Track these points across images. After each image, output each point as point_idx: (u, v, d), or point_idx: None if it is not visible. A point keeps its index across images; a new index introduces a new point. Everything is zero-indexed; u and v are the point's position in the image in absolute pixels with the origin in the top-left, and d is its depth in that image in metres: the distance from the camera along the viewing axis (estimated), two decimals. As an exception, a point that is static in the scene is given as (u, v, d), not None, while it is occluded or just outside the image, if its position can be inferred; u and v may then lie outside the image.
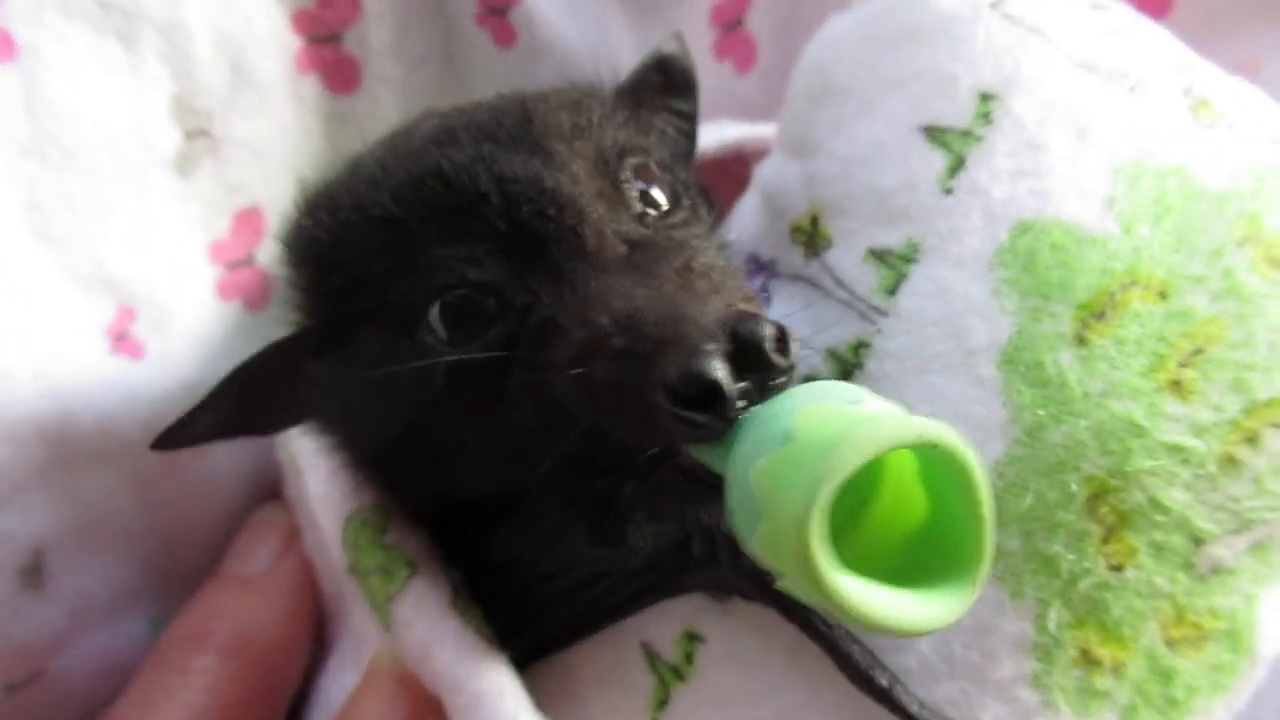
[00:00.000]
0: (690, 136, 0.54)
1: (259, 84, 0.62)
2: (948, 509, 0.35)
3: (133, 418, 0.59)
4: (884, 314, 0.47)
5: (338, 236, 0.45)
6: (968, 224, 0.46)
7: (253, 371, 0.48)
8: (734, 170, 0.67)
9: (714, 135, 0.66)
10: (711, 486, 0.37)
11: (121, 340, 0.59)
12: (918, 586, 0.35)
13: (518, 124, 0.45)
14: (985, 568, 0.34)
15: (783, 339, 0.36)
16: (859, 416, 0.33)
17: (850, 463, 0.32)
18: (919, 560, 0.35)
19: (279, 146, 0.64)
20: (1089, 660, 0.44)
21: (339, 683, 0.58)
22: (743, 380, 0.35)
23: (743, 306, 0.38)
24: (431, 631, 0.48)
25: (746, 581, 0.45)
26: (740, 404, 0.35)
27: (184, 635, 0.56)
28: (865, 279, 0.48)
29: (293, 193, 0.61)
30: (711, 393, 0.35)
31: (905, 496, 0.36)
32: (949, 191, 0.47)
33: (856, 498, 0.35)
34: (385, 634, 0.50)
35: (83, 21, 0.55)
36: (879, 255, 0.48)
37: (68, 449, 0.57)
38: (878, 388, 0.44)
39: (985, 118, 0.47)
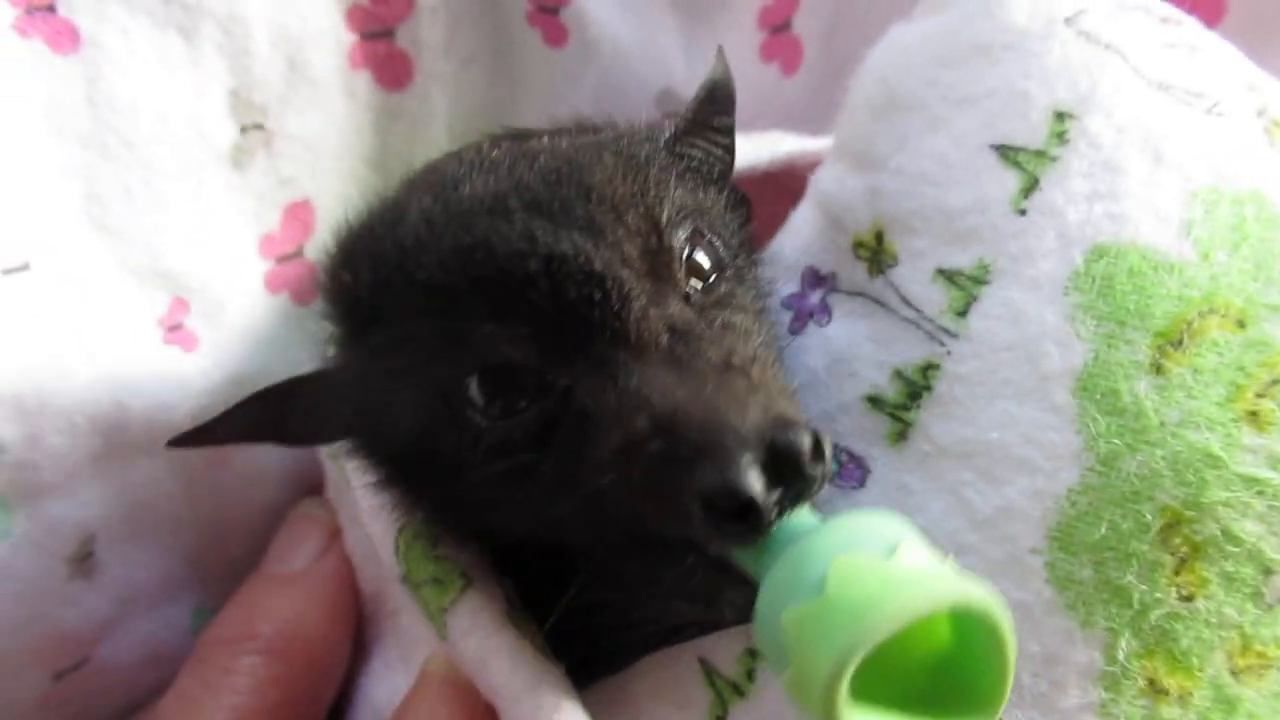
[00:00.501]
0: (729, 150, 0.53)
1: (313, 79, 0.61)
2: (971, 644, 0.35)
3: (182, 408, 0.59)
4: (954, 335, 0.46)
5: (379, 295, 0.44)
6: (1041, 246, 0.45)
7: (281, 397, 0.48)
8: (784, 180, 0.66)
9: (767, 149, 0.65)
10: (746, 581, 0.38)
11: (174, 331, 0.59)
12: (933, 710, 0.35)
13: (572, 196, 0.43)
14: (1002, 709, 0.35)
15: (818, 446, 0.36)
16: (893, 578, 0.33)
17: (881, 631, 0.32)
18: (937, 684, 0.36)
19: (330, 141, 0.64)
20: (1156, 690, 0.44)
21: (385, 683, 0.58)
22: (777, 488, 0.36)
23: (780, 409, 0.38)
24: (487, 643, 0.47)
25: None
26: (774, 513, 0.36)
27: (229, 634, 0.56)
28: (934, 299, 0.47)
29: (345, 194, 0.62)
30: (746, 505, 0.35)
31: (930, 627, 0.36)
32: (1022, 212, 0.46)
33: None
34: (441, 643, 0.50)
35: (145, 15, 0.54)
36: (948, 275, 0.47)
37: (119, 438, 0.57)
38: (948, 412, 0.45)
39: (1060, 137, 0.47)
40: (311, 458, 0.69)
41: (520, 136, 0.53)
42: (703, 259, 0.45)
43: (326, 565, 0.59)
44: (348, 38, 0.63)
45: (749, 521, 0.36)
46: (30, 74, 0.52)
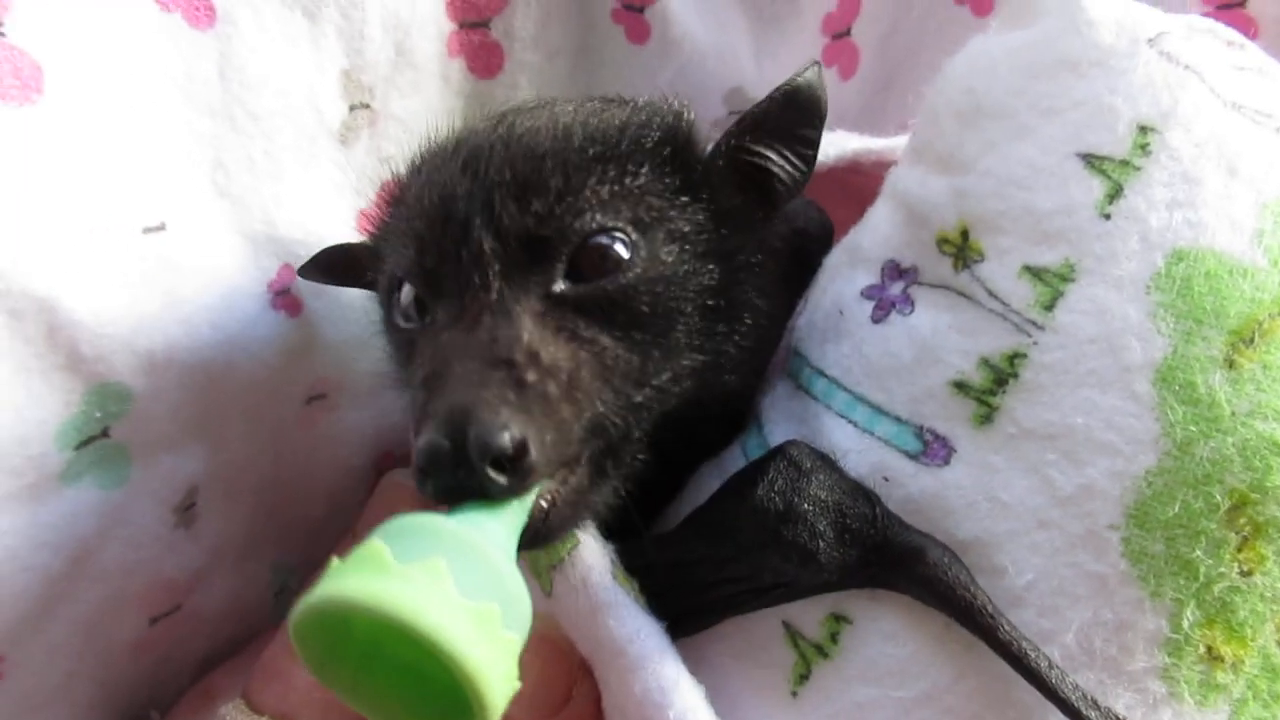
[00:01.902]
0: (808, 162, 0.55)
1: (416, 64, 0.64)
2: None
3: (283, 370, 0.62)
4: (1040, 328, 0.50)
5: (397, 198, 0.56)
6: (1125, 248, 0.49)
7: (343, 251, 0.60)
8: (843, 177, 0.70)
9: (834, 146, 0.68)
10: None
11: (282, 296, 0.62)
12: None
13: (499, 167, 0.48)
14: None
15: (518, 458, 0.41)
16: (376, 575, 0.36)
17: (307, 605, 0.36)
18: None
19: (426, 124, 0.66)
20: (1213, 656, 0.48)
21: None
22: (463, 473, 0.40)
23: (502, 417, 0.41)
24: (596, 599, 0.51)
25: (902, 579, 0.49)
26: (438, 484, 0.41)
27: None
28: (1021, 293, 0.51)
29: None
30: (424, 470, 0.41)
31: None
32: (1107, 217, 0.50)
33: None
34: (545, 598, 0.53)
35: None
36: (1035, 272, 0.51)
37: (226, 396, 0.60)
38: (1033, 398, 0.49)
39: (1143, 149, 0.51)
40: (384, 424, 0.72)
41: (593, 100, 0.56)
42: (599, 263, 0.48)
43: None
44: (447, 26, 0.66)
45: (427, 485, 0.41)
46: (169, 47, 0.55)
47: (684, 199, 0.51)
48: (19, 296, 0.49)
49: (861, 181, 0.69)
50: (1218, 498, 0.46)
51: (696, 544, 0.52)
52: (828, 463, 0.51)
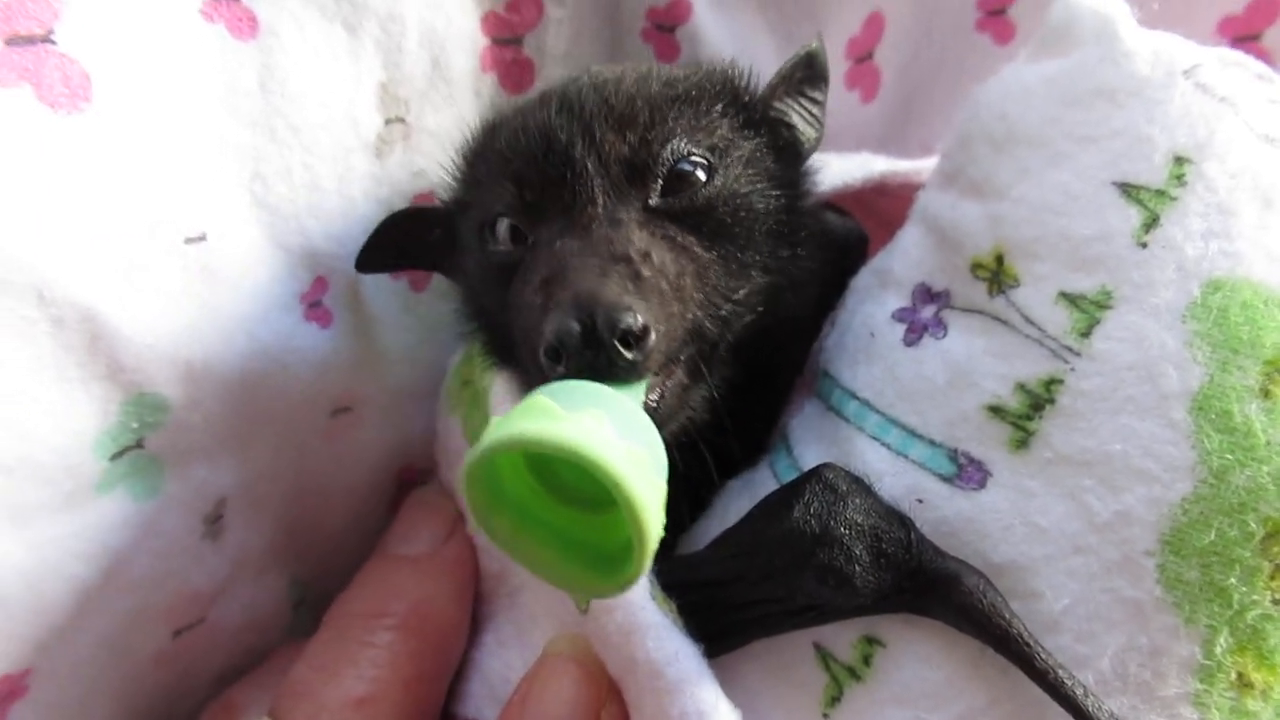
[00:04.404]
0: (820, 121, 0.61)
1: (451, 78, 0.65)
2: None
3: (310, 382, 0.62)
4: (1076, 354, 0.50)
5: (479, 158, 0.59)
6: (1162, 277, 0.50)
7: (406, 218, 0.62)
8: (867, 198, 0.71)
9: (860, 169, 0.69)
10: None
11: (314, 308, 0.62)
12: (593, 563, 0.43)
13: (595, 105, 0.54)
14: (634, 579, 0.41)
15: (642, 337, 0.45)
16: (548, 419, 0.40)
17: (491, 444, 0.40)
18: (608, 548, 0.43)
19: (457, 137, 0.66)
20: (1244, 683, 0.48)
21: (498, 657, 0.61)
22: (590, 353, 0.45)
23: (627, 302, 0.46)
24: (634, 620, 0.51)
25: (937, 605, 0.49)
26: (571, 363, 0.45)
27: (365, 609, 0.59)
28: (1057, 319, 0.51)
29: None
30: (555, 351, 0.45)
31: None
32: (1144, 246, 0.51)
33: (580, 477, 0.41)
34: (581, 617, 0.53)
35: (316, 8, 0.57)
36: (1072, 299, 0.51)
37: (258, 408, 0.60)
38: (1070, 423, 0.50)
39: (1179, 179, 0.51)
40: (402, 439, 0.72)
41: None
42: (683, 181, 0.54)
43: (452, 550, 0.62)
44: (481, 41, 0.66)
45: (558, 368, 0.45)
46: (212, 57, 0.55)
47: (747, 132, 0.58)
48: (63, 305, 0.49)
49: (888, 203, 0.70)
50: (1252, 526, 0.47)
51: (730, 564, 0.52)
52: (863, 486, 0.51)
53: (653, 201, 0.53)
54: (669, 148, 0.53)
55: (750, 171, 0.56)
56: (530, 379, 0.52)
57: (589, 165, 0.52)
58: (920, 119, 0.85)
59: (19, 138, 0.48)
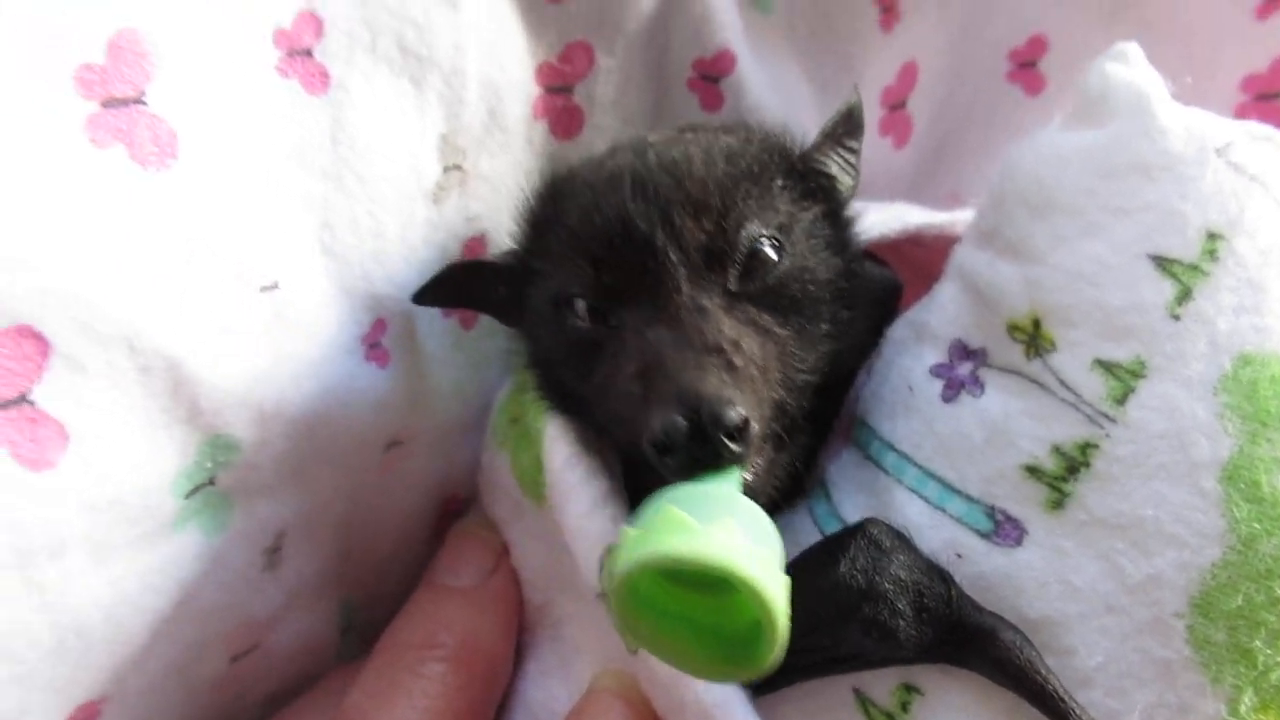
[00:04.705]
0: (856, 169, 0.63)
1: (506, 126, 0.67)
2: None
3: (369, 420, 0.64)
4: (1112, 420, 0.53)
5: (548, 225, 0.60)
6: (1194, 349, 0.52)
7: (468, 269, 0.64)
8: (907, 250, 0.73)
9: (897, 220, 0.71)
10: None
11: (374, 349, 0.64)
12: (724, 657, 0.46)
13: (668, 187, 0.56)
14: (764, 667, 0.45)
15: (744, 429, 0.48)
16: (684, 534, 0.43)
17: (649, 561, 0.43)
18: (738, 641, 0.46)
19: (509, 183, 0.69)
20: (1265, 740, 0.51)
21: (542, 688, 0.64)
22: (694, 444, 0.47)
23: (726, 394, 0.48)
24: None
25: (974, 658, 0.52)
26: (682, 458, 0.47)
27: (414, 640, 0.61)
28: (1092, 386, 0.54)
29: (509, 228, 0.68)
30: (664, 447, 0.48)
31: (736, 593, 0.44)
32: (1177, 318, 0.53)
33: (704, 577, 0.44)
34: (630, 656, 0.55)
35: (385, 64, 0.59)
36: (1107, 366, 0.54)
37: (319, 444, 0.62)
38: (1105, 487, 0.52)
39: (1212, 255, 0.54)
40: (447, 470, 0.74)
41: (694, 129, 0.64)
42: (758, 262, 0.56)
43: (497, 583, 0.64)
44: (535, 90, 0.68)
45: (668, 461, 0.48)
46: (286, 112, 0.57)
47: (805, 202, 0.60)
48: (150, 354, 0.51)
49: (922, 254, 0.72)
50: (1278, 592, 0.49)
51: None
52: (905, 542, 0.54)
53: (732, 286, 0.55)
54: (744, 233, 0.55)
55: (812, 242, 0.58)
56: (618, 447, 0.56)
57: (671, 255, 0.54)
58: (950, 166, 0.88)
59: (113, 196, 0.50)
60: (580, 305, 0.56)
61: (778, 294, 0.56)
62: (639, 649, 0.48)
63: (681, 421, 0.47)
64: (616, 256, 0.55)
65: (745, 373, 0.51)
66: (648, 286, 0.54)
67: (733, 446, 0.47)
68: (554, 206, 0.60)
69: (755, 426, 0.48)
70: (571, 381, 0.58)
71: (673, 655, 0.47)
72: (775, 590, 0.43)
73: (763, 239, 0.56)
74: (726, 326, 0.53)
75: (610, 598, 0.45)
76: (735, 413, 0.47)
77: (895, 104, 0.84)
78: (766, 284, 0.55)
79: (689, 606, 0.46)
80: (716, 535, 0.43)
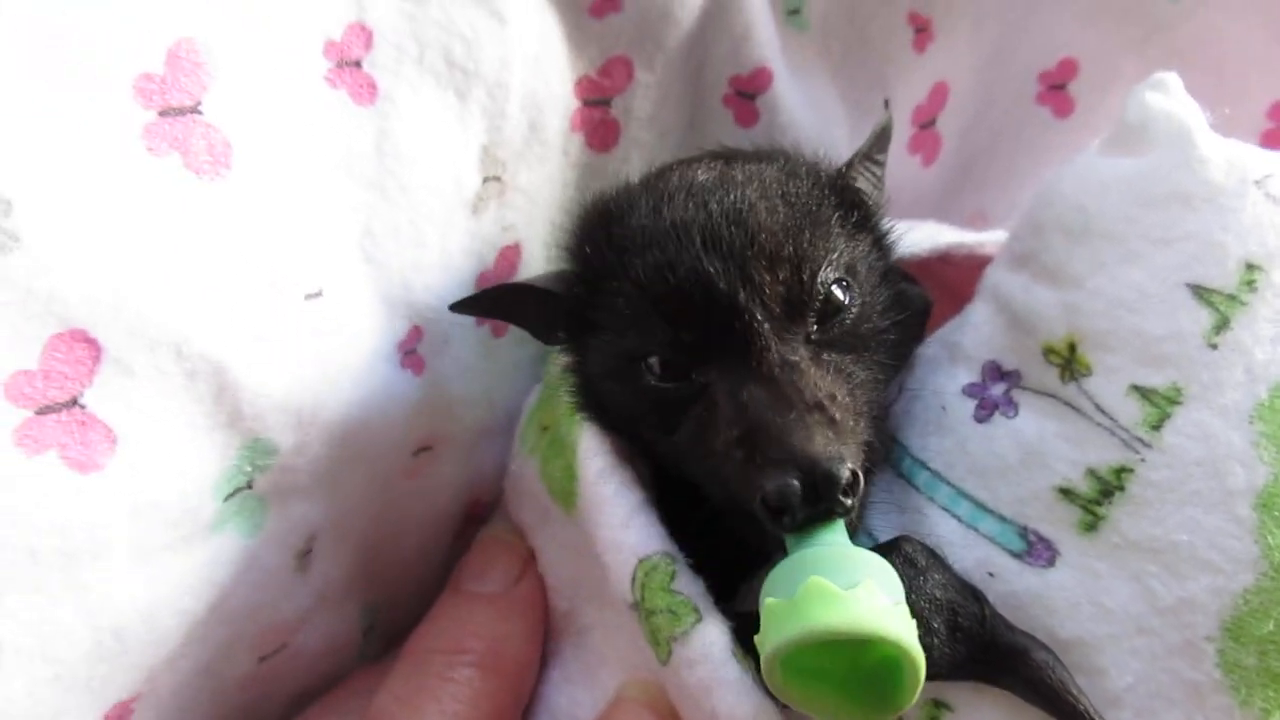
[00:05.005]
0: (882, 181, 0.64)
1: (545, 139, 0.68)
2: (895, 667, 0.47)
3: (402, 426, 0.65)
4: (1148, 446, 0.53)
5: (605, 270, 0.58)
6: (1231, 378, 0.53)
7: (515, 291, 0.63)
8: (936, 268, 0.73)
9: (928, 239, 0.71)
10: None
11: (409, 356, 0.64)
12: (864, 706, 0.48)
13: (741, 240, 0.55)
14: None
15: (854, 483, 0.49)
16: (838, 603, 0.45)
17: (811, 635, 0.45)
18: (874, 689, 0.48)
19: (545, 194, 0.70)
20: (1291, 762, 0.51)
21: (566, 694, 0.64)
22: (811, 504, 0.48)
23: (835, 450, 0.49)
24: (715, 675, 0.54)
25: (1006, 677, 0.52)
26: (800, 517, 0.48)
27: (443, 646, 0.62)
28: (1128, 411, 0.54)
29: (543, 238, 0.68)
30: (780, 509, 0.48)
31: (873, 646, 0.47)
32: (1214, 347, 0.54)
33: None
34: (661, 667, 0.56)
35: (431, 76, 0.60)
36: (1143, 393, 0.54)
37: (352, 449, 0.62)
38: (1139, 511, 0.53)
39: (1250, 285, 0.54)
40: (471, 476, 0.75)
41: (731, 158, 0.64)
42: (832, 306, 0.56)
43: (524, 589, 0.65)
44: (573, 103, 0.69)
45: (783, 520, 0.48)
46: (334, 122, 0.58)
47: (858, 235, 0.60)
48: (197, 360, 0.52)
49: (951, 272, 0.73)
50: (1308, 618, 0.50)
51: None
52: (939, 561, 0.54)
53: (813, 334, 0.55)
54: (819, 281, 0.55)
55: (872, 278, 0.59)
56: (708, 498, 0.56)
57: (757, 313, 0.53)
58: (977, 185, 0.89)
59: (167, 204, 0.50)
60: (657, 362, 0.55)
61: (853, 335, 0.56)
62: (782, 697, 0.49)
63: (796, 485, 0.48)
64: (697, 315, 0.54)
65: (844, 425, 0.52)
66: (732, 345, 0.54)
67: (846, 501, 0.48)
68: (613, 255, 0.58)
69: (862, 478, 0.49)
70: (647, 433, 0.58)
71: (822, 708, 0.49)
72: (915, 641, 0.46)
73: (834, 282, 0.56)
74: (820, 380, 0.53)
75: (766, 671, 0.47)
76: (847, 469, 0.48)
77: (925, 123, 0.85)
78: (844, 328, 0.56)
79: (820, 658, 0.47)
80: (862, 601, 0.45)
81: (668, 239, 0.56)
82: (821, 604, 0.45)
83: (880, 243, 0.62)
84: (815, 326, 0.55)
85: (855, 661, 0.47)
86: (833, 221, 0.58)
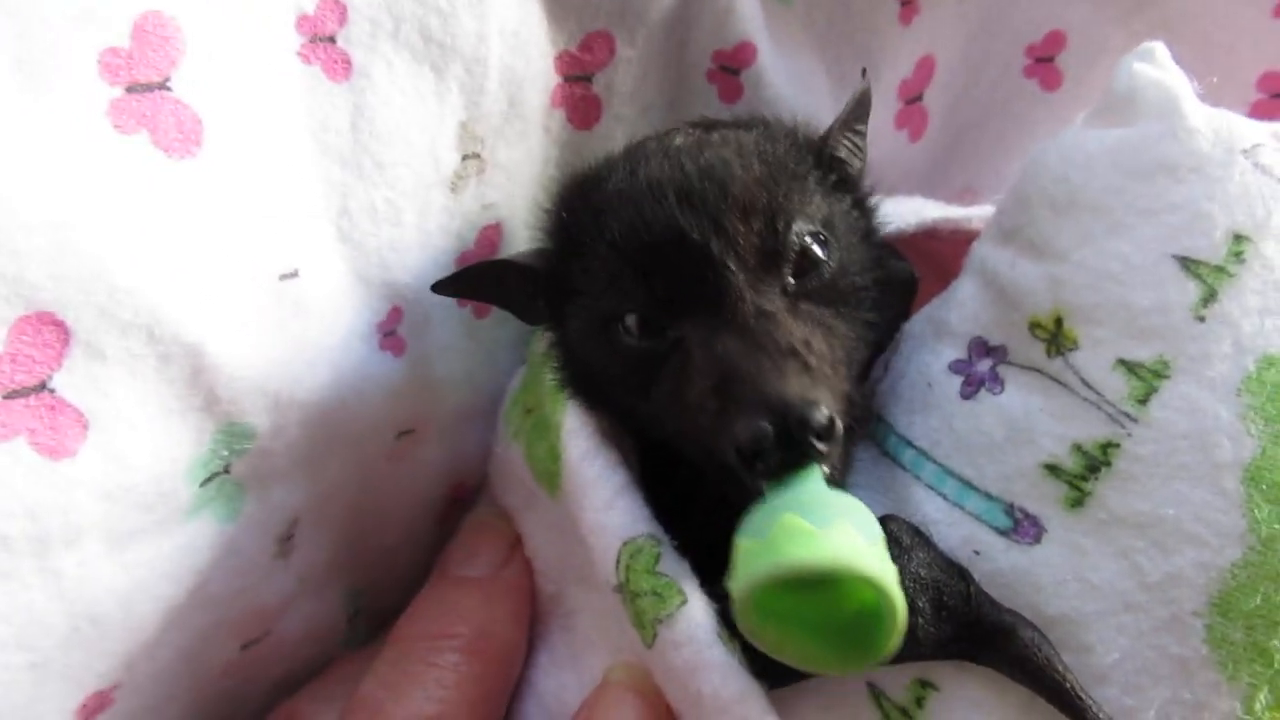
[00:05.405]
0: (863, 150, 0.63)
1: (525, 115, 0.66)
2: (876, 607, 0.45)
3: (382, 408, 0.64)
4: (1134, 420, 0.53)
5: (581, 235, 0.58)
6: (1218, 350, 0.52)
7: (495, 269, 0.62)
8: (921, 243, 0.73)
9: (913, 214, 0.71)
10: None
11: (389, 337, 0.64)
12: (843, 650, 0.47)
13: (714, 194, 0.55)
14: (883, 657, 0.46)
15: (830, 427, 0.47)
16: (810, 541, 0.44)
17: (782, 572, 0.44)
18: (854, 631, 0.46)
19: (526, 172, 0.69)
20: (1278, 737, 0.51)
21: (554, 678, 0.64)
22: (784, 449, 0.47)
23: (810, 394, 0.48)
24: (700, 656, 0.53)
25: (992, 655, 0.52)
26: (774, 462, 0.47)
27: (429, 631, 0.61)
28: (1114, 385, 0.54)
29: (525, 218, 0.67)
30: (754, 454, 0.47)
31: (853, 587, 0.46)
32: (1201, 319, 0.53)
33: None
34: (646, 649, 0.55)
35: (408, 51, 0.59)
36: (1130, 366, 0.54)
37: (333, 433, 0.62)
38: (1125, 487, 0.52)
39: (1238, 257, 0.54)
40: (456, 458, 0.74)
41: (710, 126, 0.63)
42: (809, 259, 0.56)
43: (511, 573, 0.64)
44: (554, 79, 0.68)
45: (758, 467, 0.47)
46: (307, 98, 0.56)
47: (837, 194, 0.60)
48: (170, 342, 0.51)
49: (936, 246, 0.72)
50: (1296, 592, 0.50)
51: None
52: (924, 539, 0.54)
53: (789, 286, 0.55)
54: (793, 231, 0.55)
55: (851, 234, 0.58)
56: (690, 460, 0.55)
57: (730, 263, 0.53)
58: (965, 161, 0.88)
59: (136, 182, 0.49)
60: (633, 320, 0.55)
61: (832, 289, 0.56)
62: (804, 667, 0.48)
63: (769, 427, 0.47)
64: (670, 269, 0.54)
65: (820, 371, 0.51)
66: (706, 297, 0.53)
67: (821, 446, 0.47)
68: (588, 219, 0.58)
69: (840, 424, 0.48)
70: (626, 397, 0.57)
71: (797, 655, 0.47)
72: (894, 583, 0.44)
73: (810, 234, 0.56)
74: (795, 328, 0.52)
75: (738, 611, 0.46)
76: (821, 413, 0.47)
77: (911, 97, 0.84)
78: (822, 280, 0.55)
79: (798, 605, 0.46)
80: (836, 539, 0.44)
81: (643, 197, 0.56)
82: (793, 541, 0.44)
83: (861, 205, 0.61)
84: (791, 279, 0.55)
85: (834, 609, 0.46)
86: (810, 179, 0.58)
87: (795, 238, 0.55)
